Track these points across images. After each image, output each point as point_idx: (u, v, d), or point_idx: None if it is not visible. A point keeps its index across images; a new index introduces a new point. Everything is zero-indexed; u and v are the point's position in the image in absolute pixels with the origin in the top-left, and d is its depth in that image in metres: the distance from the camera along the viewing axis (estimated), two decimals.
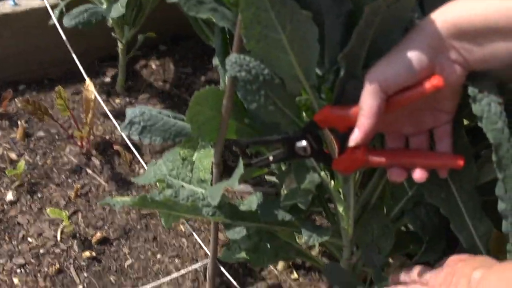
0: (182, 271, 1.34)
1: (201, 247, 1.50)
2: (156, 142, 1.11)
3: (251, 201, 1.15)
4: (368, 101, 0.88)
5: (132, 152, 1.64)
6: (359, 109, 0.91)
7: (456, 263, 0.96)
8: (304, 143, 0.98)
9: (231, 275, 1.26)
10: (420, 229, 1.16)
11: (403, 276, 1.05)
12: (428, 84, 0.88)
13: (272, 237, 1.21)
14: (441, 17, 0.85)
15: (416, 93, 0.89)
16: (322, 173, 1.07)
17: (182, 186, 1.22)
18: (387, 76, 0.87)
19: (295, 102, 0.98)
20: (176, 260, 1.49)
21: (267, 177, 1.48)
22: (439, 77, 0.87)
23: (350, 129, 0.93)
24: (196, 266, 1.29)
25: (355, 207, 1.09)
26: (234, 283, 1.25)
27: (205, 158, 1.37)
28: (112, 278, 1.44)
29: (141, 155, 1.72)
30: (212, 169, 1.16)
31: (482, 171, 1.10)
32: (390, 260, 1.40)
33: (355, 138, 0.90)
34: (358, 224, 1.13)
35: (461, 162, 0.94)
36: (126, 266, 1.47)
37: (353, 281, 1.19)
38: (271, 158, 1.03)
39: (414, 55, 0.86)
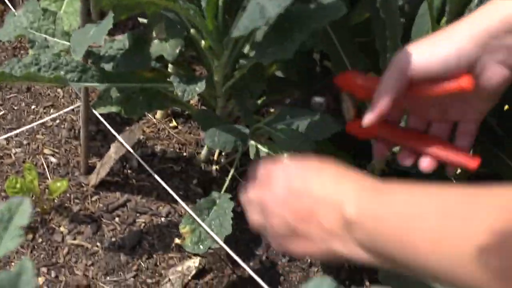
0: (54, 115, 1.27)
1: (77, 96, 1.42)
2: None
3: (123, 40, 1.09)
4: (389, 82, 0.79)
5: (4, 3, 1.52)
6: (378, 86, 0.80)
7: (279, 172, 0.78)
8: (321, 99, 0.92)
9: (108, 123, 1.21)
10: (294, 75, 1.15)
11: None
12: (455, 84, 0.76)
13: (144, 88, 1.16)
14: (496, 11, 0.73)
15: (441, 88, 0.78)
16: (192, 30, 1.00)
17: (45, 39, 1.14)
18: (419, 63, 0.76)
19: None
20: (52, 110, 1.39)
21: (141, 20, 1.41)
22: (469, 79, 0.75)
23: (368, 99, 0.86)
24: (67, 109, 1.23)
25: (228, 61, 1.02)
26: (111, 129, 1.20)
27: (76, 1, 1.28)
28: None
29: (14, 6, 1.59)
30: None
31: (355, 12, 1.09)
32: (272, 109, 1.40)
33: (368, 117, 0.81)
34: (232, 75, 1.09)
35: (475, 164, 0.84)
36: None
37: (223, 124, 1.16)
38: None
39: (455, 50, 0.74)
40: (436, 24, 0.95)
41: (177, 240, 1.21)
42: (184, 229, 1.11)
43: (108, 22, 0.96)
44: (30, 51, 1.16)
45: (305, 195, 0.74)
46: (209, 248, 1.12)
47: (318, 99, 0.93)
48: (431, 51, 0.76)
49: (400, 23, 0.95)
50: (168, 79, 1.05)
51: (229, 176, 1.23)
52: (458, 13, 0.92)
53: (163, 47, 1.02)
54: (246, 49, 1.06)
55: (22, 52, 1.53)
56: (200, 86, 0.97)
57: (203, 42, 0.99)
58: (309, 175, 0.76)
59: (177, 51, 1.00)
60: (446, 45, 0.75)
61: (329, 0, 0.88)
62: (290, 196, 0.75)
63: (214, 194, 1.17)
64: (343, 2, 0.88)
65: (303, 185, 0.75)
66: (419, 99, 0.83)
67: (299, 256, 0.80)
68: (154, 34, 1.05)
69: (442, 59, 0.75)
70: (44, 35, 1.13)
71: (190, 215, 1.12)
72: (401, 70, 0.77)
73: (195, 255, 1.19)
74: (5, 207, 0.68)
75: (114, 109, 1.16)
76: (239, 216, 1.25)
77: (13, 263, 1.14)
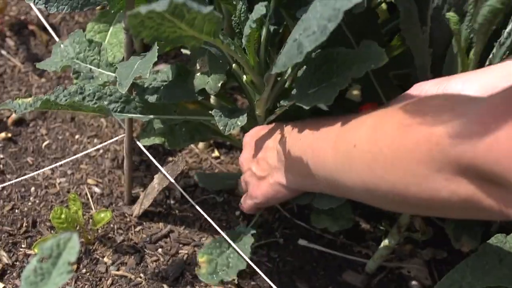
0: (98, 146, 1.30)
1: (120, 126, 1.46)
2: (63, 12, 1.04)
3: (166, 72, 1.11)
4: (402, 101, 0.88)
5: (49, 33, 1.57)
6: None
7: (253, 138, 1.08)
8: None
9: (151, 154, 1.24)
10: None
11: None
12: None
13: (187, 120, 1.18)
14: None
15: None
16: (234, 65, 1.00)
17: (90, 70, 1.17)
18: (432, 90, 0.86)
19: None
20: (95, 140, 1.43)
21: (183, 50, 1.44)
22: None
23: None
24: (111, 141, 1.26)
25: (269, 96, 1.03)
26: (154, 161, 1.23)
27: (120, 32, 1.32)
28: (29, 159, 1.38)
29: (58, 36, 1.64)
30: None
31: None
32: None
33: None
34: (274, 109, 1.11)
35: None
36: (43, 146, 1.41)
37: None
38: None
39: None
40: (465, 55, 0.96)
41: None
42: (201, 258, 1.14)
43: (153, 54, 0.98)
44: (75, 81, 1.20)
45: (260, 149, 1.04)
46: (222, 281, 1.15)
47: None
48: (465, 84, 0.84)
49: (428, 54, 0.99)
50: (210, 112, 1.08)
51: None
52: (485, 44, 0.94)
53: (205, 81, 1.05)
54: (287, 84, 1.08)
55: (66, 81, 1.57)
56: (242, 120, 0.99)
57: (244, 76, 1.01)
58: (263, 138, 1.05)
59: (219, 85, 1.02)
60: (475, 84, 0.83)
61: (370, 47, 0.90)
62: (251, 152, 1.07)
63: (240, 228, 1.20)
64: (384, 51, 0.89)
65: (260, 144, 1.05)
66: None
67: (262, 200, 1.07)
68: (196, 67, 1.07)
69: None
70: (89, 66, 1.16)
71: (209, 246, 1.16)
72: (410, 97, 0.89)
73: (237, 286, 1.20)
74: (54, 242, 0.70)
75: (157, 140, 1.19)
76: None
77: None
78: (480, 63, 0.95)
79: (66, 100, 1.05)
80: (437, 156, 0.68)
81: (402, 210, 0.99)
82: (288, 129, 1.00)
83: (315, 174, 0.91)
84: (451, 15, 0.90)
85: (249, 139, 1.09)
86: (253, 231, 1.18)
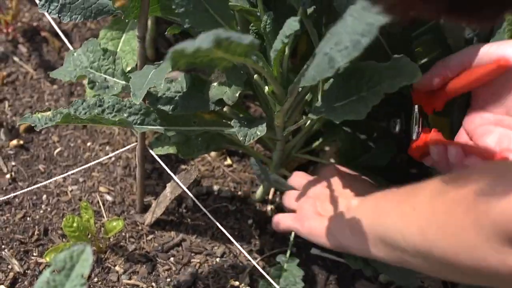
0: (111, 154, 1.30)
1: (132, 134, 1.45)
2: (77, 21, 1.03)
3: (180, 82, 1.10)
4: (456, 58, 0.94)
5: (61, 39, 1.56)
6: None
7: (332, 175, 1.10)
8: (397, 120, 1.06)
9: (163, 162, 1.23)
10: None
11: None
12: (493, 64, 0.87)
13: (203, 131, 1.17)
14: None
15: (482, 69, 0.90)
16: (256, 76, 0.99)
17: (105, 79, 1.15)
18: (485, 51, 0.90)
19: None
20: (107, 148, 1.43)
21: None
22: (505, 59, 0.86)
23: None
24: (124, 149, 1.25)
25: (290, 107, 1.03)
26: (166, 169, 1.22)
27: (133, 40, 1.31)
28: (41, 166, 1.38)
29: (71, 43, 1.64)
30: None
31: None
32: (327, 148, 1.40)
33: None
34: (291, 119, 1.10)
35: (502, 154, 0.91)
36: (55, 154, 1.41)
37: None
38: None
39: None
40: None
41: (232, 282, 1.21)
42: None
43: (167, 65, 0.97)
44: (88, 90, 1.18)
45: (334, 189, 1.06)
46: None
47: (395, 120, 1.07)
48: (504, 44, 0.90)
49: None
50: (225, 121, 1.07)
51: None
52: None
53: (222, 91, 1.04)
54: (307, 96, 1.07)
55: (78, 88, 1.57)
56: (261, 130, 0.98)
57: (266, 87, 1.00)
58: (341, 182, 1.07)
59: (237, 95, 1.01)
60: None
61: (403, 62, 0.89)
62: (325, 185, 1.09)
63: (281, 257, 1.18)
64: (418, 66, 0.89)
65: (336, 185, 1.07)
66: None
67: (304, 232, 1.08)
68: (212, 77, 1.06)
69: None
70: (104, 75, 1.14)
71: (265, 282, 1.14)
72: (465, 54, 0.93)
73: None
74: (67, 254, 0.69)
75: (171, 150, 1.18)
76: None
77: None
78: None
79: (85, 113, 1.04)
80: (485, 225, 0.70)
81: (456, 279, 0.99)
82: (366, 199, 1.01)
83: (375, 243, 0.93)
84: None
85: (330, 174, 1.11)
86: (297, 261, 1.18)
